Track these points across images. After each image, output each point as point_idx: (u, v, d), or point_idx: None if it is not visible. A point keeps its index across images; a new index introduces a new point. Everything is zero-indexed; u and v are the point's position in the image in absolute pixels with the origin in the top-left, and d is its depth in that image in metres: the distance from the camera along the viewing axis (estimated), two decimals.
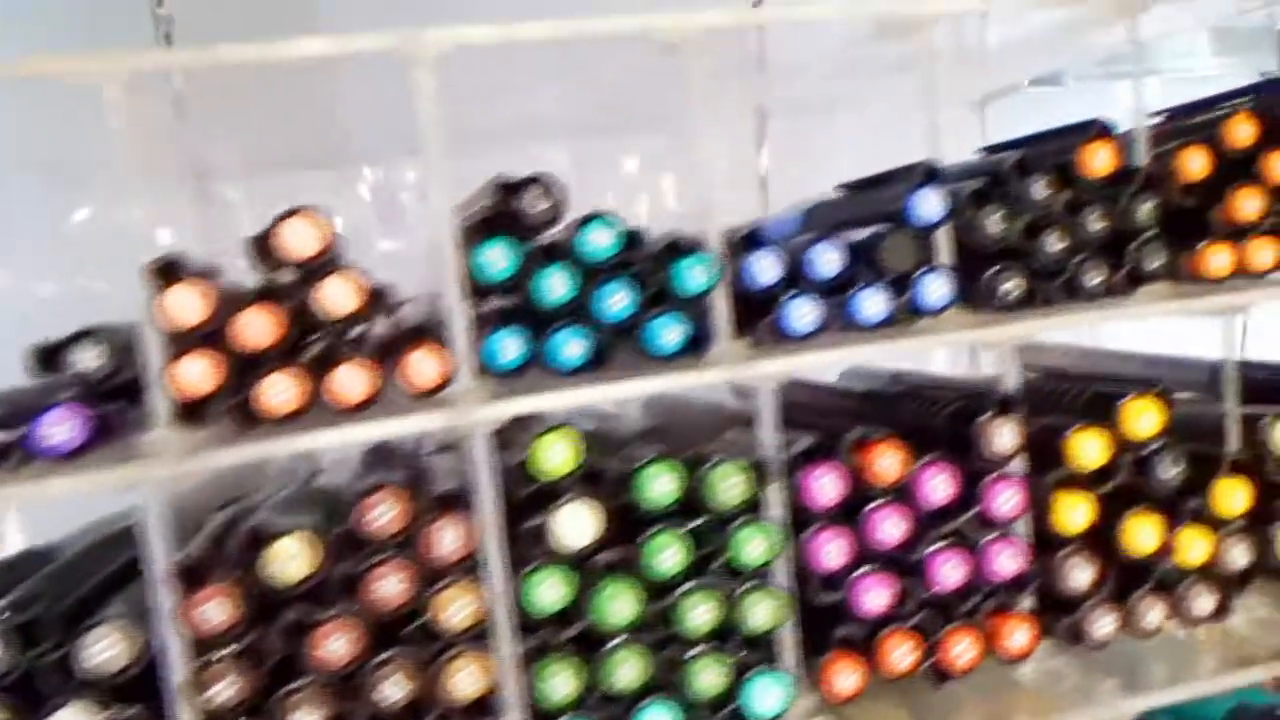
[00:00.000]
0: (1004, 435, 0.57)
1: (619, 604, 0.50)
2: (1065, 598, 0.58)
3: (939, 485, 0.55)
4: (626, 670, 0.51)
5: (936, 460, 0.55)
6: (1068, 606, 0.59)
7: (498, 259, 0.53)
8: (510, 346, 0.54)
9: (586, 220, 0.54)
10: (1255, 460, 0.63)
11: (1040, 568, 0.58)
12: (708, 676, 0.52)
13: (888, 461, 0.54)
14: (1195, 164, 0.66)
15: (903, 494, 0.55)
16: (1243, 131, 0.66)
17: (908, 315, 0.60)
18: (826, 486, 0.54)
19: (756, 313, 0.59)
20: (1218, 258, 0.66)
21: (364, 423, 0.50)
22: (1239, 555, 0.61)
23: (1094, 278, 0.62)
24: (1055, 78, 1.63)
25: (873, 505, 0.54)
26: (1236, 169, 0.67)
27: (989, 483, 0.57)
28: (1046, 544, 0.58)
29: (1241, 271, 0.66)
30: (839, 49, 1.17)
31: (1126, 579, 0.60)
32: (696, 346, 0.56)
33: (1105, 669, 0.60)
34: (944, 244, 0.62)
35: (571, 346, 0.54)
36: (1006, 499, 0.57)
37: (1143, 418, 0.59)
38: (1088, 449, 0.58)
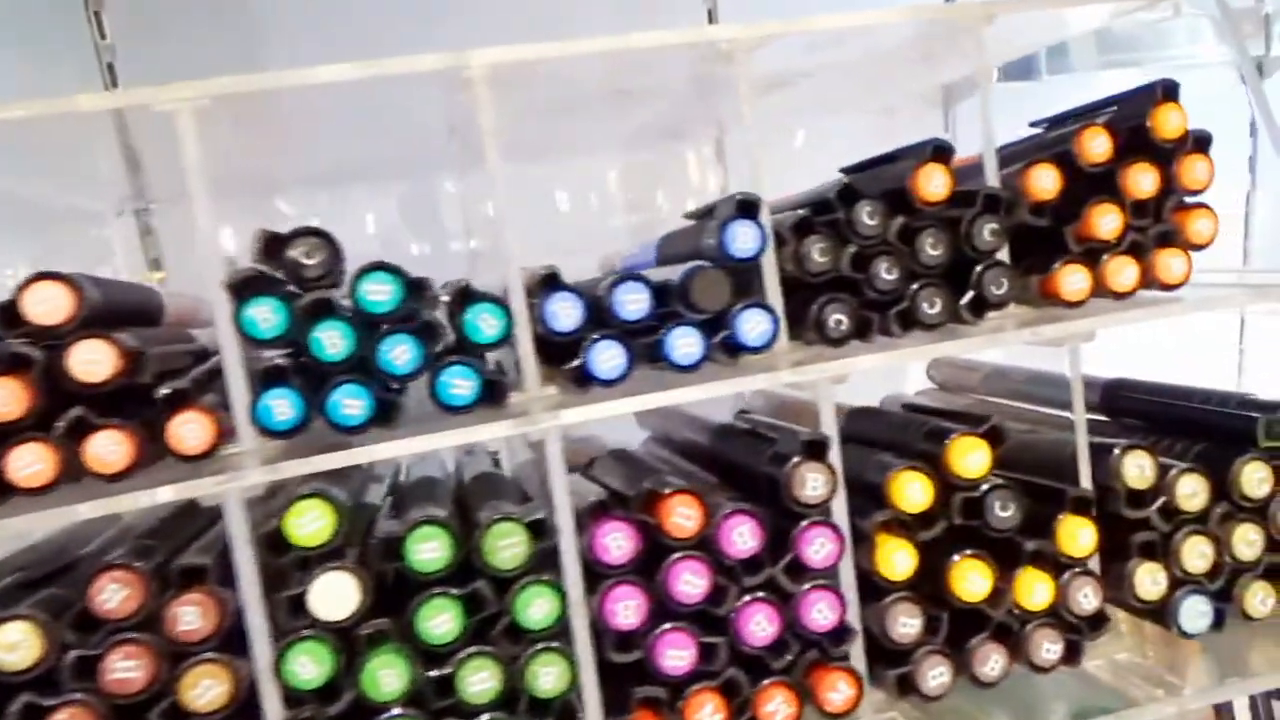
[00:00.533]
0: (813, 481, 0.54)
1: (388, 675, 0.48)
2: (892, 648, 0.55)
3: (743, 536, 0.53)
4: None
5: (737, 511, 0.53)
6: (896, 657, 0.56)
7: (265, 316, 0.51)
8: (282, 406, 0.52)
9: (364, 271, 0.52)
10: (1105, 495, 0.59)
11: (867, 617, 0.56)
12: None
13: (681, 515, 0.52)
14: (1045, 181, 0.63)
15: (704, 546, 0.53)
16: (1097, 145, 0.63)
17: (727, 354, 0.57)
18: (616, 543, 0.51)
19: (563, 359, 0.57)
20: (1073, 279, 0.62)
21: (121, 493, 0.48)
22: (1087, 597, 0.57)
23: (932, 306, 0.60)
24: (1027, 71, 1.59)
25: (670, 560, 0.52)
26: (1092, 185, 0.64)
27: (801, 530, 0.54)
28: (874, 592, 0.56)
29: (1100, 293, 0.63)
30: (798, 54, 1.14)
31: (963, 626, 0.57)
32: (495, 397, 0.54)
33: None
34: (770, 277, 0.59)
35: (350, 405, 0.52)
36: (819, 547, 0.54)
37: (970, 457, 0.56)
38: (910, 491, 0.55)
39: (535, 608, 0.50)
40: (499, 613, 0.50)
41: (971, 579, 0.55)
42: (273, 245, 0.52)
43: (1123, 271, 0.63)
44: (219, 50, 1.05)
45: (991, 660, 0.56)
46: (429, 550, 0.49)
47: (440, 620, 0.49)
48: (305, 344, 0.52)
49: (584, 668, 0.52)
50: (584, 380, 0.55)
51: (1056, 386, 0.80)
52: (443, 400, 0.53)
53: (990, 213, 0.61)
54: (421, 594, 0.49)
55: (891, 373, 1.02)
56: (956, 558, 0.55)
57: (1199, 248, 0.65)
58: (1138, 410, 0.72)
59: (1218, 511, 0.60)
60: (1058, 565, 0.57)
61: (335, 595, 0.48)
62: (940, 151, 0.60)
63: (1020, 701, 0.59)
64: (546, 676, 0.50)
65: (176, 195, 1.01)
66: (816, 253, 0.59)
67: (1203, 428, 0.65)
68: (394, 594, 0.49)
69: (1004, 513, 0.56)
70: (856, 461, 0.59)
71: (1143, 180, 0.63)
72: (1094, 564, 0.60)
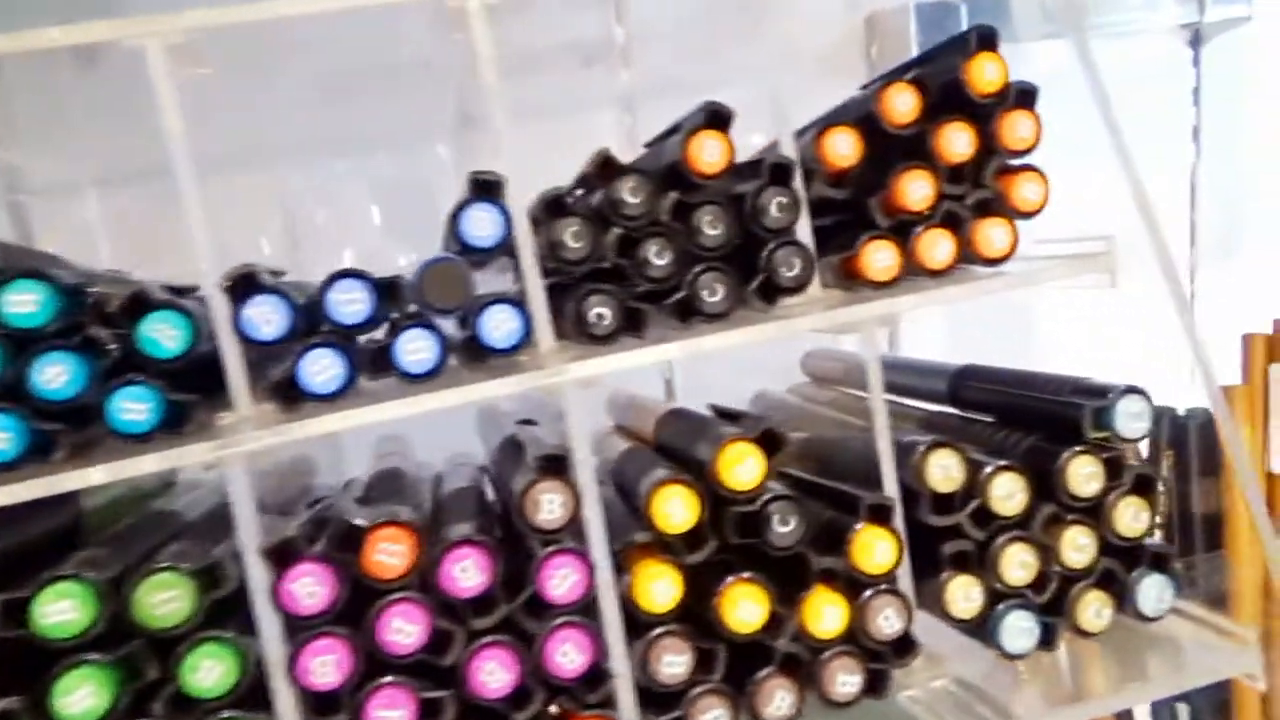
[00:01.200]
0: (549, 502, 0.46)
1: None
2: (660, 690, 0.48)
3: (466, 572, 0.45)
4: None
5: (457, 543, 0.45)
6: (665, 701, 0.48)
7: None
8: None
9: (5, 281, 0.44)
10: (913, 501, 0.52)
11: (631, 656, 0.48)
12: None
13: (385, 554, 0.44)
14: (841, 147, 0.55)
15: (424, 587, 0.45)
16: (901, 104, 0.55)
17: (471, 358, 0.50)
18: (307, 589, 0.43)
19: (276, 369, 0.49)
20: (878, 257, 0.55)
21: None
22: (888, 619, 0.50)
23: (713, 294, 0.52)
24: None
25: (376, 606, 0.44)
26: (901, 150, 0.56)
27: (540, 560, 0.46)
28: (637, 627, 0.48)
29: (915, 271, 0.56)
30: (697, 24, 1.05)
31: (746, 660, 0.49)
32: (179, 421, 0.46)
33: None
34: (528, 268, 0.51)
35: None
36: (561, 579, 0.46)
37: (741, 466, 0.48)
38: (671, 508, 0.47)
39: (205, 672, 0.42)
40: (161, 680, 0.42)
41: (743, 607, 0.47)
42: None
43: (936, 246, 0.55)
44: None
45: (778, 698, 0.49)
46: (61, 612, 0.41)
47: (80, 696, 0.41)
48: None
49: None
50: (294, 395, 0.47)
51: (921, 375, 0.73)
52: (118, 427, 0.45)
53: (779, 184, 0.53)
54: (56, 665, 0.41)
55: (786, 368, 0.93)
56: (725, 583, 0.47)
57: (1026, 215, 0.58)
58: (982, 401, 0.65)
59: (1043, 514, 0.53)
60: (854, 584, 0.50)
61: None
62: (716, 117, 0.53)
63: None
64: None
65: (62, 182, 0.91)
66: (569, 237, 0.51)
67: (1039, 418, 0.58)
68: (30, 665, 0.41)
69: (783, 528, 0.49)
70: (635, 476, 0.52)
71: (956, 141, 0.55)
72: (905, 580, 0.53)
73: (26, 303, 0.44)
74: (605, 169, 0.52)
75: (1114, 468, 0.53)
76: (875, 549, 0.50)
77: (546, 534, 0.46)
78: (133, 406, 0.45)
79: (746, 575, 0.47)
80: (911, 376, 0.74)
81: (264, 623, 0.44)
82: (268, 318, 0.47)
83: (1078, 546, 0.53)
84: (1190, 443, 0.98)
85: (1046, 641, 0.53)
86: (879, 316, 0.52)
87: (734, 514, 0.49)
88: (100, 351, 0.45)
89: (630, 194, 0.51)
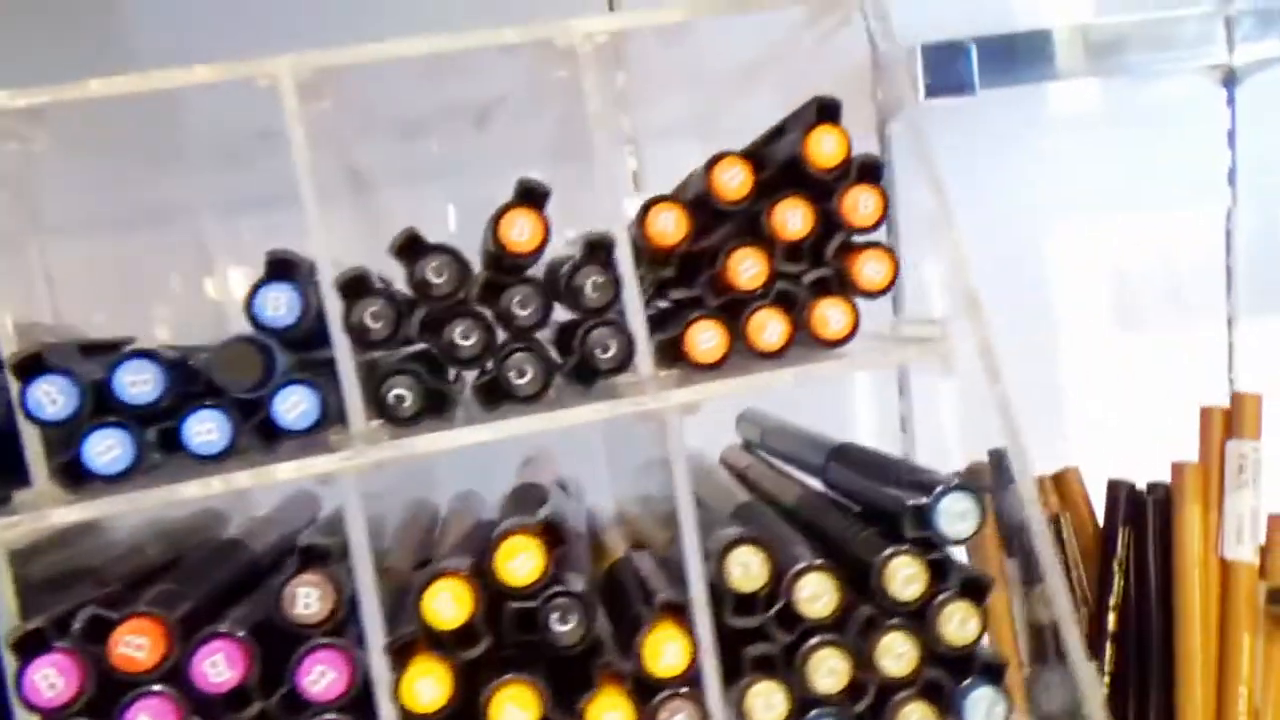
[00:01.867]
0: (305, 596, 0.45)
1: None
2: None
3: (216, 667, 0.44)
4: None
5: (209, 637, 0.44)
6: None
7: None
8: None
9: None
10: (715, 599, 0.50)
11: None
12: None
13: (131, 646, 0.44)
14: (664, 224, 0.54)
15: (175, 681, 0.44)
16: (730, 179, 0.54)
17: (264, 439, 0.49)
18: (48, 680, 0.43)
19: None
20: (703, 337, 0.53)
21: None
22: None
23: (522, 375, 0.51)
24: (960, 85, 1.46)
25: (125, 701, 0.44)
26: (740, 227, 0.55)
27: (299, 656, 0.45)
28: None
29: (746, 351, 0.54)
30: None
31: None
32: None
33: None
34: (339, 347, 0.51)
35: None
36: (318, 676, 0.45)
37: (517, 560, 0.46)
38: (440, 605, 0.46)
39: None
40: None
41: (509, 711, 0.45)
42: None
43: (766, 326, 0.53)
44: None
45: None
46: None
47: None
48: None
49: None
50: (78, 475, 0.47)
51: (808, 447, 0.70)
52: None
53: (594, 263, 0.52)
54: None
55: None
56: (492, 685, 0.45)
57: (870, 294, 0.55)
58: (844, 485, 0.62)
59: (859, 617, 0.50)
60: (645, 687, 0.48)
61: None
62: (530, 194, 0.52)
63: None
64: None
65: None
66: (368, 318, 0.50)
67: (880, 511, 0.55)
68: None
69: (562, 626, 0.47)
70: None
71: (791, 218, 0.54)
72: (713, 687, 0.50)
73: None
74: (409, 247, 0.51)
75: (939, 570, 0.50)
76: (665, 649, 0.48)
77: (309, 629, 0.45)
78: None
79: (513, 676, 0.46)
80: (800, 447, 0.71)
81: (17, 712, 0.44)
82: (52, 397, 0.48)
83: (895, 654, 0.49)
84: (1149, 520, 0.93)
85: None
86: (681, 404, 0.51)
87: (512, 610, 0.47)
88: None
89: (434, 274, 0.51)
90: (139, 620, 0.44)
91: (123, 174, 0.83)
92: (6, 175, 0.57)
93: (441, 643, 0.46)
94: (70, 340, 0.55)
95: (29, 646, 0.43)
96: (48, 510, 0.47)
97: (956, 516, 0.50)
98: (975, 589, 0.50)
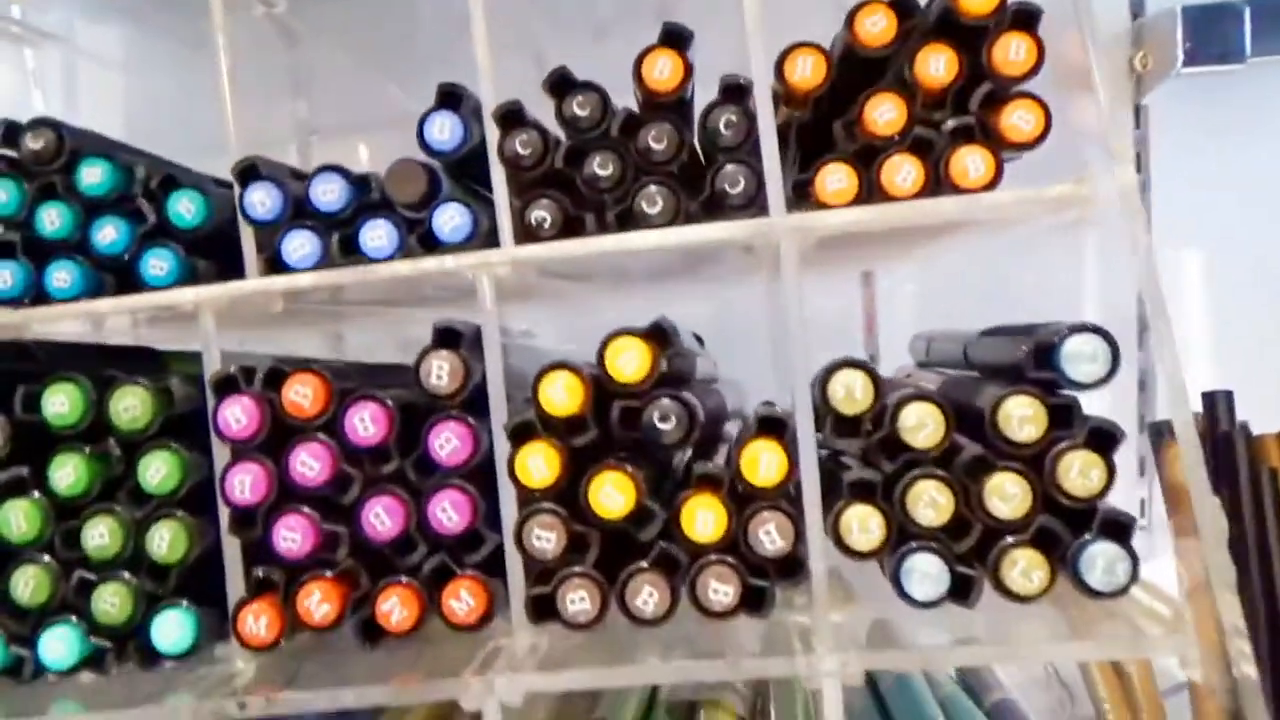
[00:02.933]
0: (439, 369, 0.51)
1: (19, 522, 0.52)
2: (531, 566, 0.50)
3: (364, 423, 0.51)
4: (30, 588, 0.52)
5: (361, 397, 0.51)
6: (538, 577, 0.50)
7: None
8: (6, 276, 0.58)
9: (80, 158, 0.57)
10: (818, 419, 0.50)
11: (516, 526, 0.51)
12: (109, 602, 0.52)
13: (297, 394, 0.51)
14: (805, 69, 0.55)
15: (330, 430, 0.51)
16: (873, 25, 0.54)
17: (424, 247, 0.56)
18: (235, 416, 0.51)
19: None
20: (833, 179, 0.54)
21: None
22: (769, 535, 0.48)
23: (652, 205, 0.54)
24: (1227, 52, 1.33)
25: (292, 441, 0.51)
26: (876, 74, 0.55)
27: (431, 424, 0.51)
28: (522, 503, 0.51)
29: (879, 198, 0.54)
30: None
31: (623, 556, 0.50)
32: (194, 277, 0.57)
33: None
34: (496, 173, 0.56)
35: (59, 277, 0.58)
36: (445, 441, 0.50)
37: (624, 357, 0.49)
38: (553, 391, 0.50)
39: (154, 471, 0.52)
40: (125, 475, 0.52)
41: (607, 492, 0.48)
42: (9, 133, 0.58)
43: (899, 171, 0.53)
44: None
45: (645, 593, 0.49)
46: (58, 404, 0.52)
47: (64, 474, 0.52)
48: (31, 223, 0.58)
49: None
50: (278, 267, 0.56)
51: (951, 341, 0.68)
52: (145, 279, 0.57)
53: (729, 104, 0.54)
54: (53, 447, 0.52)
55: None
56: (595, 468, 0.49)
57: (1017, 146, 0.53)
58: (983, 358, 0.60)
59: (967, 455, 0.48)
60: (739, 496, 0.49)
61: None
62: (672, 36, 0.55)
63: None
64: (164, 542, 0.52)
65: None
66: (519, 145, 0.56)
67: (1011, 364, 0.53)
68: (35, 446, 0.53)
69: (664, 424, 0.49)
70: None
71: (932, 64, 0.53)
72: (814, 508, 0.50)
73: (94, 176, 0.57)
74: (559, 84, 0.56)
75: (1062, 415, 0.48)
76: (761, 462, 0.49)
77: (438, 399, 0.51)
78: (159, 263, 0.57)
79: (614, 462, 0.49)
80: (955, 345, 0.69)
81: (215, 445, 0.53)
82: (263, 201, 0.57)
83: (1005, 495, 0.47)
84: None
85: (959, 594, 0.48)
86: (797, 228, 0.51)
87: (620, 407, 0.50)
88: (141, 218, 0.57)
89: (579, 108, 0.55)
90: (306, 374, 0.51)
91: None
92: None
93: (554, 428, 0.50)
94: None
95: (224, 388, 0.52)
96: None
97: (1084, 358, 0.47)
98: (1102, 439, 0.47)
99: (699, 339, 0.71)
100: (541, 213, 0.55)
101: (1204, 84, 1.17)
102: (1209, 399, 0.79)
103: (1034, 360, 0.48)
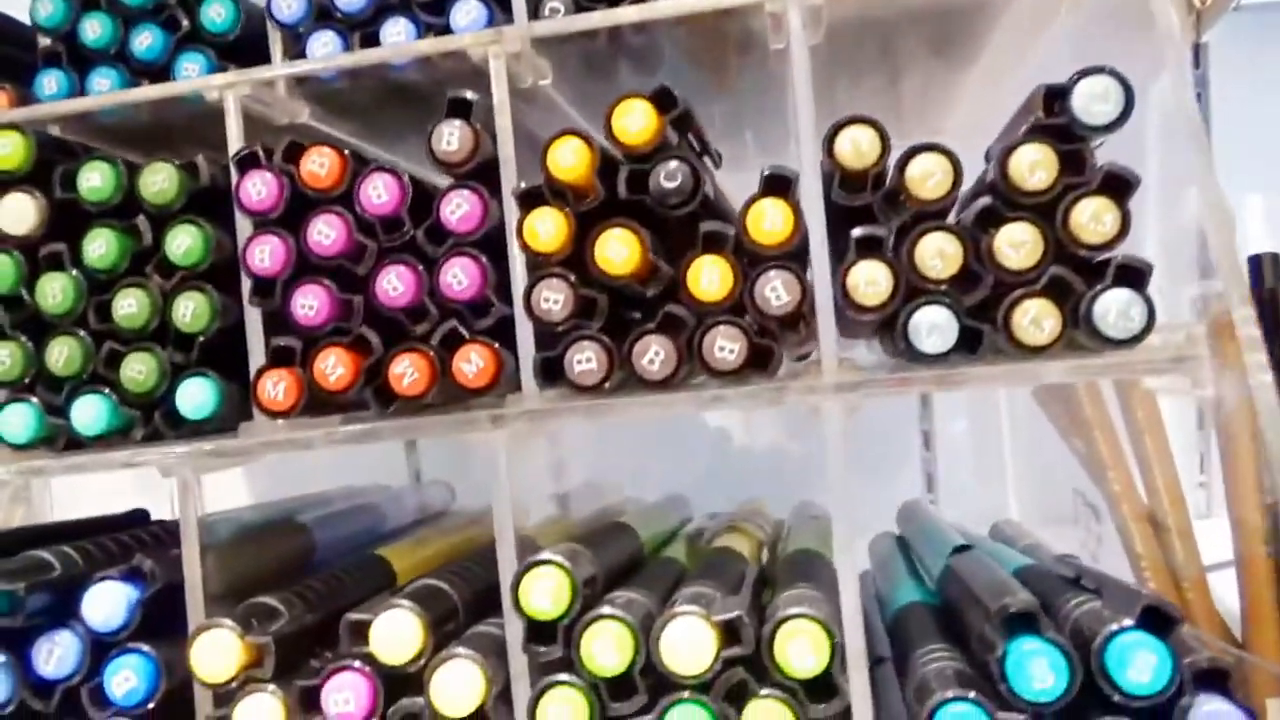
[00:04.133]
0: (449, 135, 0.52)
1: (55, 294, 0.54)
2: (540, 329, 0.51)
3: (378, 191, 0.52)
4: (62, 356, 0.54)
5: (377, 168, 0.52)
6: (546, 341, 0.51)
7: (45, 5, 0.61)
8: (52, 83, 0.61)
9: None
10: (825, 178, 0.50)
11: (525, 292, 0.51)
12: (137, 370, 0.54)
13: (315, 164, 0.52)
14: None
15: (345, 201, 0.53)
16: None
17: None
18: (256, 188, 0.53)
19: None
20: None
21: None
22: (776, 292, 0.48)
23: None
24: None
25: (310, 212, 0.52)
26: None
27: (443, 192, 0.52)
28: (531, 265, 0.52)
29: None
30: None
31: (631, 319, 0.50)
32: None
33: None
34: None
35: (100, 83, 0.60)
36: (456, 207, 0.51)
37: (629, 118, 0.50)
38: (561, 155, 0.50)
39: (179, 244, 0.54)
40: (155, 248, 0.54)
41: (613, 247, 0.49)
42: None
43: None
44: None
45: (652, 352, 0.49)
46: (93, 180, 0.54)
47: (97, 246, 0.54)
48: (74, 31, 0.61)
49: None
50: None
51: None
52: (178, 76, 0.59)
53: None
54: (88, 222, 0.54)
55: None
56: (603, 225, 0.49)
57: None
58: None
59: (979, 205, 0.48)
60: (745, 254, 0.49)
61: (16, 213, 0.55)
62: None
63: None
64: (189, 313, 0.53)
65: None
66: None
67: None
68: (71, 223, 0.55)
69: (670, 183, 0.49)
70: None
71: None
72: (817, 260, 0.50)
73: None
74: None
75: (1074, 161, 0.47)
76: (767, 218, 0.49)
77: (446, 166, 0.52)
78: (191, 64, 0.59)
79: (621, 220, 0.49)
80: None
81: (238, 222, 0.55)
82: (289, 4, 0.58)
83: (1015, 243, 0.47)
84: None
85: (967, 345, 0.47)
86: None
87: (627, 171, 0.50)
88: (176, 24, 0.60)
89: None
90: (323, 146, 0.53)
91: None
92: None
93: (562, 195, 0.51)
94: None
95: (246, 164, 0.54)
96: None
97: (1095, 97, 0.46)
98: (1116, 185, 0.46)
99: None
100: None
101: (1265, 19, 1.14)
102: (1254, 261, 0.76)
103: (1046, 106, 0.47)
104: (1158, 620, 0.39)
